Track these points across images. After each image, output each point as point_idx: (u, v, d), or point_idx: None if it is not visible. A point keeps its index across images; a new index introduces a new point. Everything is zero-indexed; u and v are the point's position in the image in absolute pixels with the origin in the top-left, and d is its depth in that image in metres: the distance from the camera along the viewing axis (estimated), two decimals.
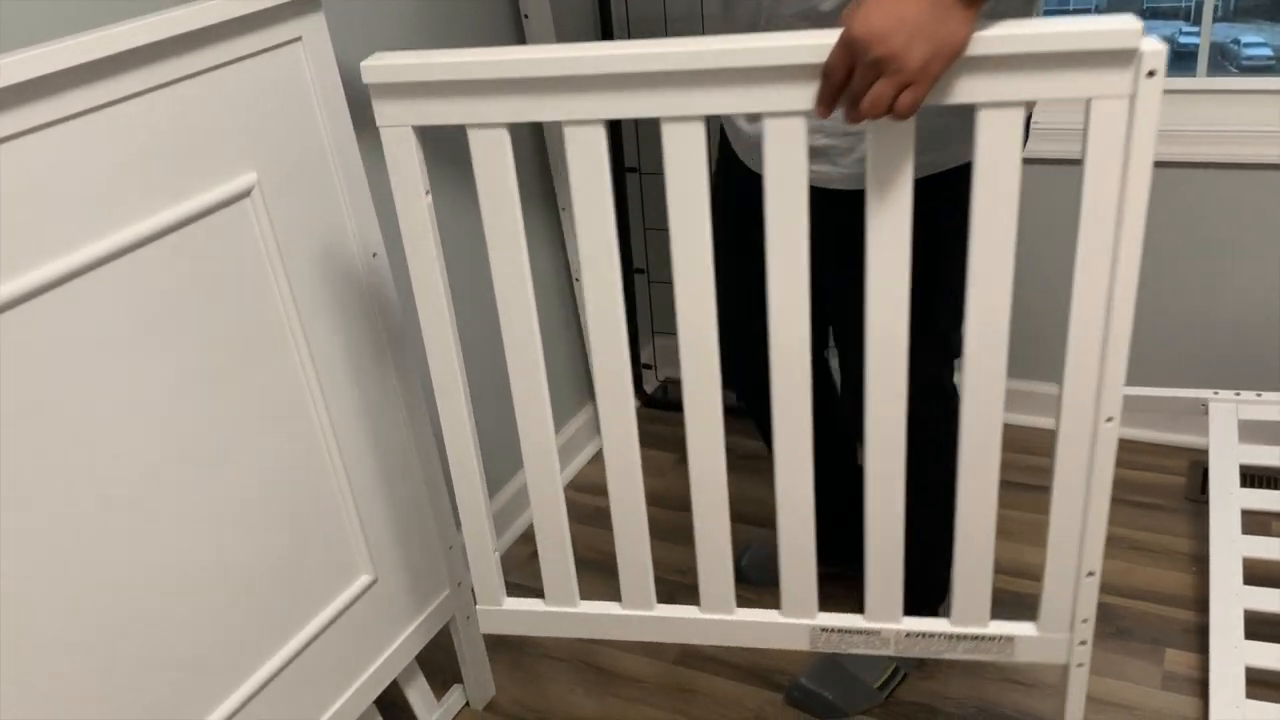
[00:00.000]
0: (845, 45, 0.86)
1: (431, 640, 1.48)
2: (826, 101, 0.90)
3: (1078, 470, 1.04)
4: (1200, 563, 1.72)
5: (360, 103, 1.51)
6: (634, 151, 2.09)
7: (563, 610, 1.26)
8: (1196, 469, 1.93)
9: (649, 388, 2.34)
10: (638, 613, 1.24)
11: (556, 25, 1.83)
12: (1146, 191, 0.90)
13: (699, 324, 1.03)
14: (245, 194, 1.10)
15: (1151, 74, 0.86)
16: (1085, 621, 1.13)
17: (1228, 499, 1.59)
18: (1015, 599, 1.69)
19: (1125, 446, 1.93)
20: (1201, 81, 1.82)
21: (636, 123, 0.88)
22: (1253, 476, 1.76)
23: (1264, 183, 1.77)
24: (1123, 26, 0.85)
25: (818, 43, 0.87)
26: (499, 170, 0.98)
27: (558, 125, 0.98)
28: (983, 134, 0.90)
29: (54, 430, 0.96)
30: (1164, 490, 1.90)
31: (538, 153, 1.94)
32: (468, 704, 1.62)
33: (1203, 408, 1.79)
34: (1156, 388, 1.87)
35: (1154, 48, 0.86)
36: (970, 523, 1.07)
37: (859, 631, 1.14)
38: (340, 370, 1.25)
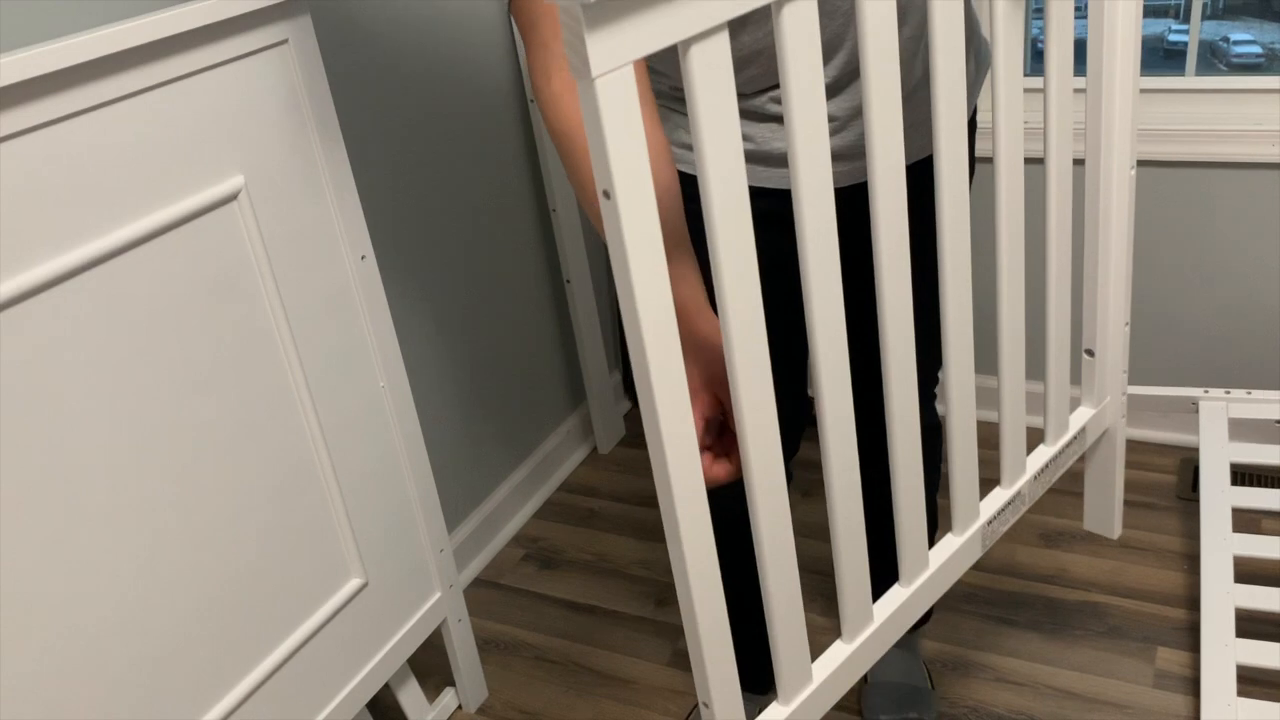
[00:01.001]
0: None
1: (424, 642, 1.48)
2: None
3: (1106, 224, 1.09)
4: (1191, 561, 1.73)
5: (347, 105, 1.51)
6: None
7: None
8: (1187, 467, 1.94)
9: None
10: (862, 639, 0.96)
11: None
12: None
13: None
14: (232, 197, 1.10)
15: None
16: (1125, 371, 1.18)
17: (1218, 497, 1.59)
18: (1005, 597, 1.70)
19: None
20: (1191, 81, 1.83)
21: None
22: (1243, 474, 1.76)
23: (1254, 181, 1.78)
24: None
25: None
26: (722, 88, 0.67)
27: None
28: None
29: (42, 434, 0.95)
30: (1155, 489, 1.90)
31: (528, 154, 1.94)
32: (460, 707, 1.62)
33: (1193, 406, 1.79)
34: (1147, 386, 1.87)
35: None
36: (1057, 346, 1.09)
37: (1007, 504, 1.10)
38: (329, 373, 1.25)
